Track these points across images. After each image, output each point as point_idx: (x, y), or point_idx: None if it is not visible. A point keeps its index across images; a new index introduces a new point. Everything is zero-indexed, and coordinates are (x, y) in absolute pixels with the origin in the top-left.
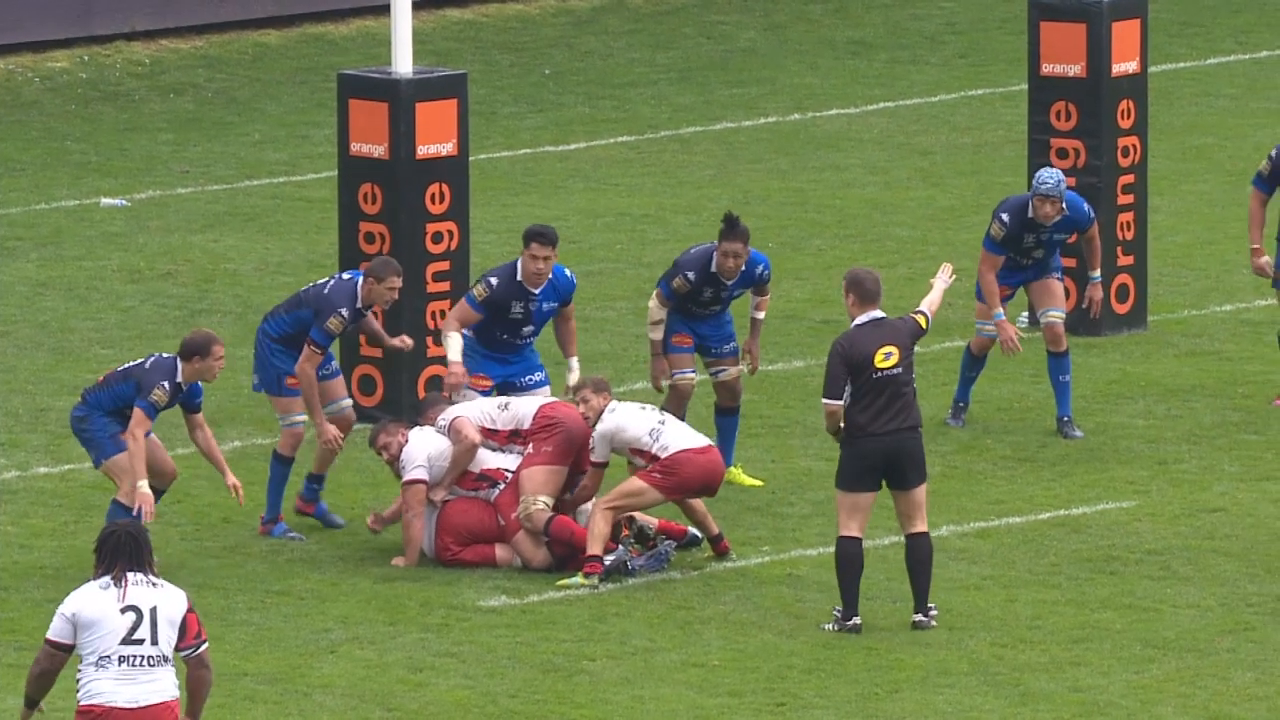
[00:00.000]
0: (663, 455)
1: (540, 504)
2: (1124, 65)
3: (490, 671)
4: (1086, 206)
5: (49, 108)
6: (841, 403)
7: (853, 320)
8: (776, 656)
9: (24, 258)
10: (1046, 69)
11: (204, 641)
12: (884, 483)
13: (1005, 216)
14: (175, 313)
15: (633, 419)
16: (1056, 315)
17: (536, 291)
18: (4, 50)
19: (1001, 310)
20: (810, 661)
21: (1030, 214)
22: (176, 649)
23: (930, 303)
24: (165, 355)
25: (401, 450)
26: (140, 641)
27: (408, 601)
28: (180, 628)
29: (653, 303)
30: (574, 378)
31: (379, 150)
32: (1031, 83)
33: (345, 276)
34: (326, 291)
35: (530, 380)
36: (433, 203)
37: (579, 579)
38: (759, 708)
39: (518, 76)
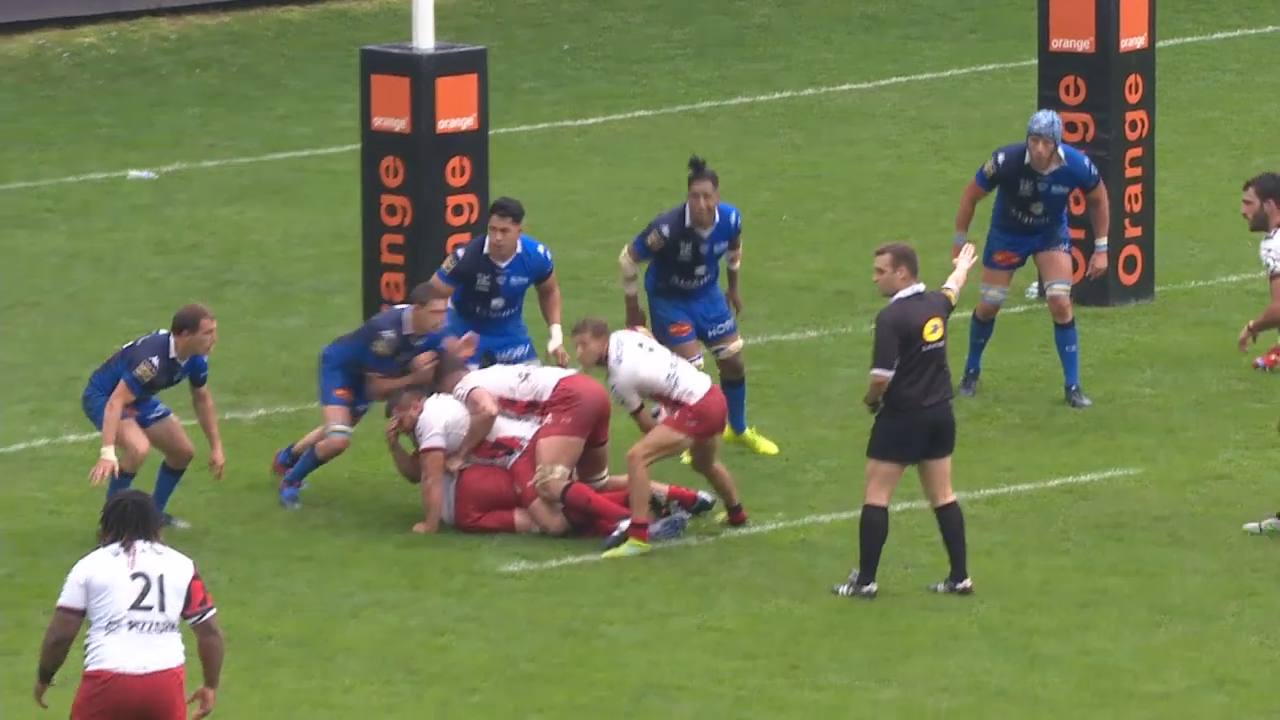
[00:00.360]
0: (689, 400)
1: (557, 473)
2: (1132, 40)
3: (510, 635)
4: (1088, 163)
5: (78, 83)
6: (892, 373)
7: (894, 293)
8: (790, 621)
9: (54, 229)
10: (1056, 44)
11: (210, 608)
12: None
13: (1000, 156)
14: (201, 284)
15: (644, 361)
16: (1062, 288)
17: (503, 265)
18: (34, 26)
19: (963, 235)
20: (824, 625)
21: (1027, 159)
22: (183, 616)
23: (956, 280)
24: (161, 332)
25: (418, 418)
26: (149, 608)
27: (429, 567)
28: (186, 596)
29: (624, 258)
30: (553, 344)
31: (400, 124)
32: (1041, 58)
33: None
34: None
35: (514, 355)
36: (453, 176)
37: (627, 547)
38: (773, 670)
39: (537, 52)
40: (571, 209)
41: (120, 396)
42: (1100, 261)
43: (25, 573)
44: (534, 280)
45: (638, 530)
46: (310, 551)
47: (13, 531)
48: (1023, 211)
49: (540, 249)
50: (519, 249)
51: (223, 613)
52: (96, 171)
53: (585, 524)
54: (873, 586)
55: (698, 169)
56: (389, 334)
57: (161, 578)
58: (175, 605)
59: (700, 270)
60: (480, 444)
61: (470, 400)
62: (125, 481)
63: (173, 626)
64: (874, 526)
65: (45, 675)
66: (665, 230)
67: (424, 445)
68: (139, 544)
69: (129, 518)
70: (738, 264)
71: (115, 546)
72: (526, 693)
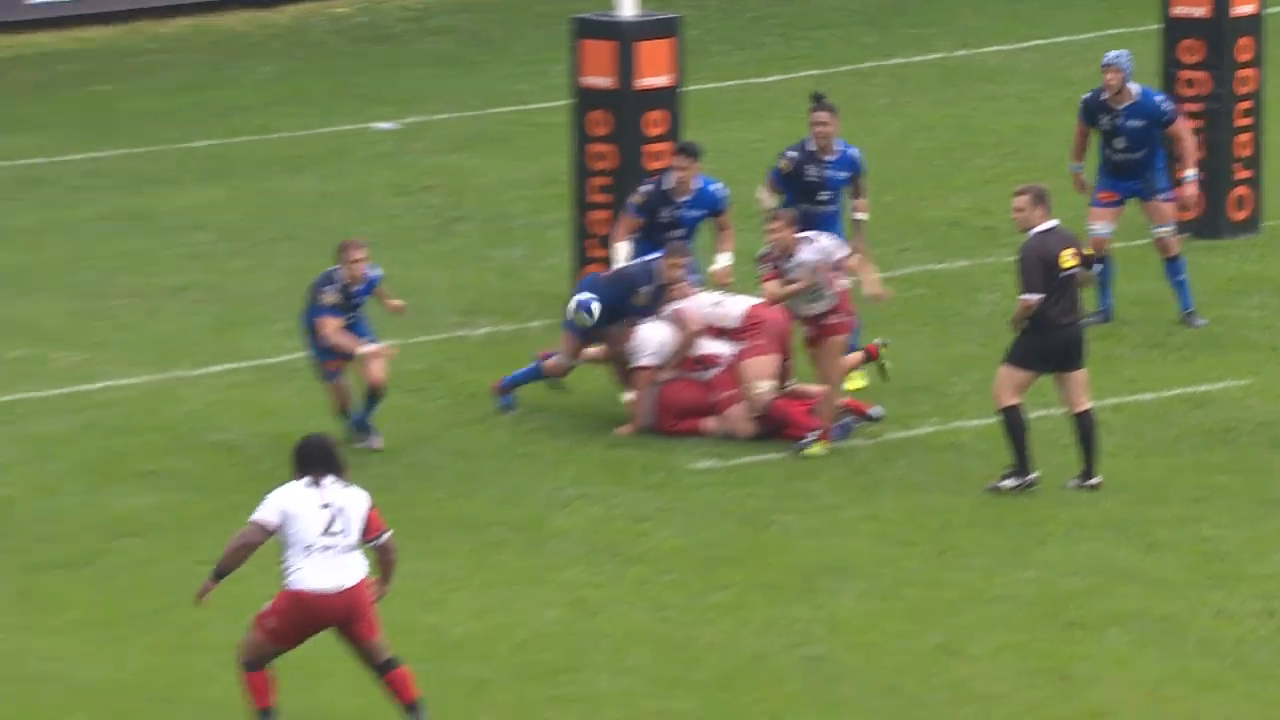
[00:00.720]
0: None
1: (764, 388)
2: (1243, 8)
3: (700, 523)
4: (1160, 99)
5: (333, 46)
6: (1041, 296)
7: (1031, 228)
8: (942, 513)
9: (310, 173)
10: (1176, 11)
11: (385, 531)
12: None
13: (1087, 95)
14: (433, 221)
15: (812, 247)
16: (1164, 230)
17: (681, 200)
18: None
19: (1078, 164)
20: (971, 516)
21: (1104, 95)
22: (364, 541)
23: None
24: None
25: (633, 340)
26: (336, 534)
27: (631, 465)
28: (364, 523)
29: (761, 192)
30: (717, 266)
31: (606, 82)
32: (1164, 23)
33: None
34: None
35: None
36: (651, 127)
37: (819, 449)
38: (927, 555)
39: (725, 19)
40: (754, 156)
41: (327, 326)
42: (1188, 190)
43: (284, 469)
44: (710, 214)
45: (822, 435)
46: (529, 450)
47: (271, 433)
48: (1109, 147)
49: (711, 186)
50: (698, 185)
51: (453, 503)
52: (347, 123)
53: (774, 432)
54: (1035, 475)
55: (816, 100)
56: (646, 288)
57: (345, 508)
58: (358, 530)
59: (824, 195)
60: (683, 359)
61: (677, 320)
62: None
63: (355, 548)
64: (1016, 424)
65: (219, 576)
66: (792, 154)
67: (639, 363)
68: (327, 479)
69: (315, 456)
70: (860, 214)
71: (308, 480)
72: (713, 573)
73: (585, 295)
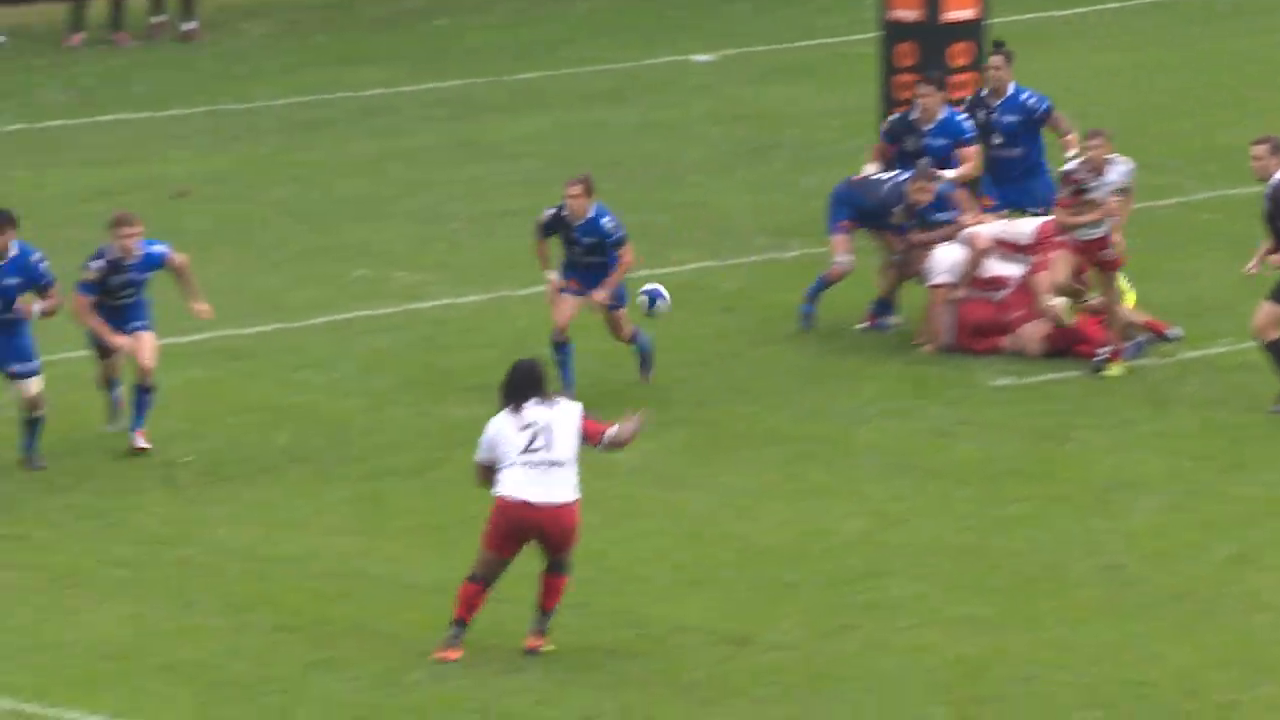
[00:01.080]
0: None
1: (1056, 301)
2: None
3: (998, 438)
4: None
5: None
6: None
7: (1269, 176)
8: (1233, 429)
9: (631, 104)
10: None
11: (605, 431)
12: None
13: None
14: (748, 147)
15: (1119, 169)
16: None
17: (925, 129)
18: None
19: None
20: (1261, 433)
21: None
22: (590, 446)
23: None
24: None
25: (929, 260)
26: (537, 450)
27: (931, 380)
28: (580, 433)
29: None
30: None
31: (913, 15)
32: None
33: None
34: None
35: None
36: (956, 59)
37: (1117, 370)
38: (1218, 469)
39: None
40: (1053, 84)
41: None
42: None
43: (606, 380)
44: (954, 144)
45: (1113, 354)
46: (833, 368)
47: (595, 350)
48: None
49: (959, 117)
50: (943, 115)
51: (762, 418)
52: (666, 55)
53: (1065, 350)
54: None
55: (996, 46)
56: (899, 209)
57: (549, 425)
58: (566, 444)
59: (996, 139)
60: (976, 279)
61: (968, 242)
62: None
63: (562, 464)
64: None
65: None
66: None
67: (933, 282)
68: (529, 403)
69: (518, 383)
70: (1069, 150)
71: (510, 408)
72: (1010, 485)
73: (651, 288)
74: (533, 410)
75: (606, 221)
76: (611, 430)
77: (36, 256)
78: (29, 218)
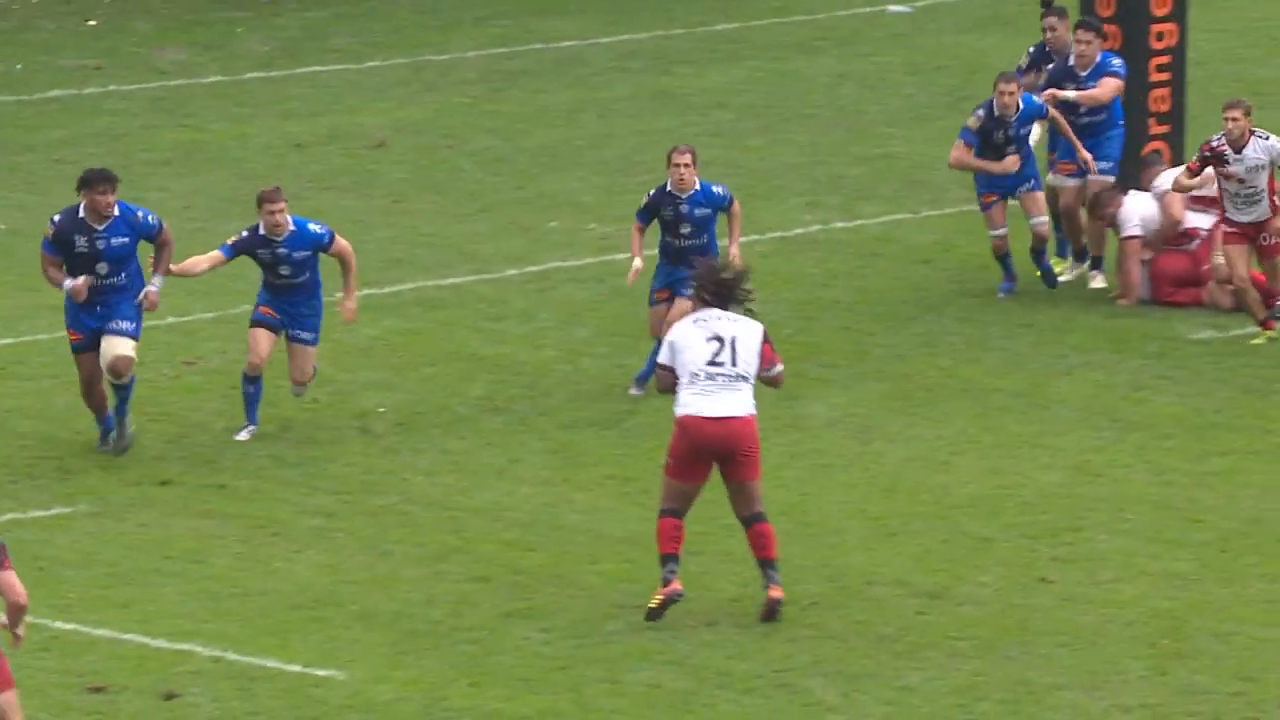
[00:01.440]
0: None
1: (1222, 259)
2: None
3: (1199, 391)
4: None
5: None
6: None
7: None
8: None
9: (826, 54)
10: None
11: (777, 365)
12: None
13: None
14: (945, 99)
15: (1263, 144)
16: None
17: (1083, 75)
18: None
19: None
20: None
21: None
22: (759, 370)
23: None
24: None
25: (1118, 212)
26: (720, 364)
27: (1130, 333)
28: (758, 354)
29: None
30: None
31: None
32: None
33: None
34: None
35: None
36: (1157, 6)
37: (1262, 339)
38: None
39: None
40: (1259, 34)
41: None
42: None
43: (805, 334)
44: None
45: (1269, 321)
46: (1031, 319)
47: (792, 300)
48: None
49: (1115, 62)
50: (1100, 60)
51: (958, 369)
52: (862, 6)
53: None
54: None
55: (1045, 6)
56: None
57: (734, 339)
58: (747, 360)
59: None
60: (1171, 233)
61: (1161, 201)
62: None
63: (743, 379)
64: None
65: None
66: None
67: (1124, 234)
68: (715, 313)
69: (714, 291)
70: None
71: (698, 314)
72: (1211, 439)
73: None
74: (719, 322)
75: (717, 187)
76: (779, 366)
77: (142, 212)
78: (229, 169)
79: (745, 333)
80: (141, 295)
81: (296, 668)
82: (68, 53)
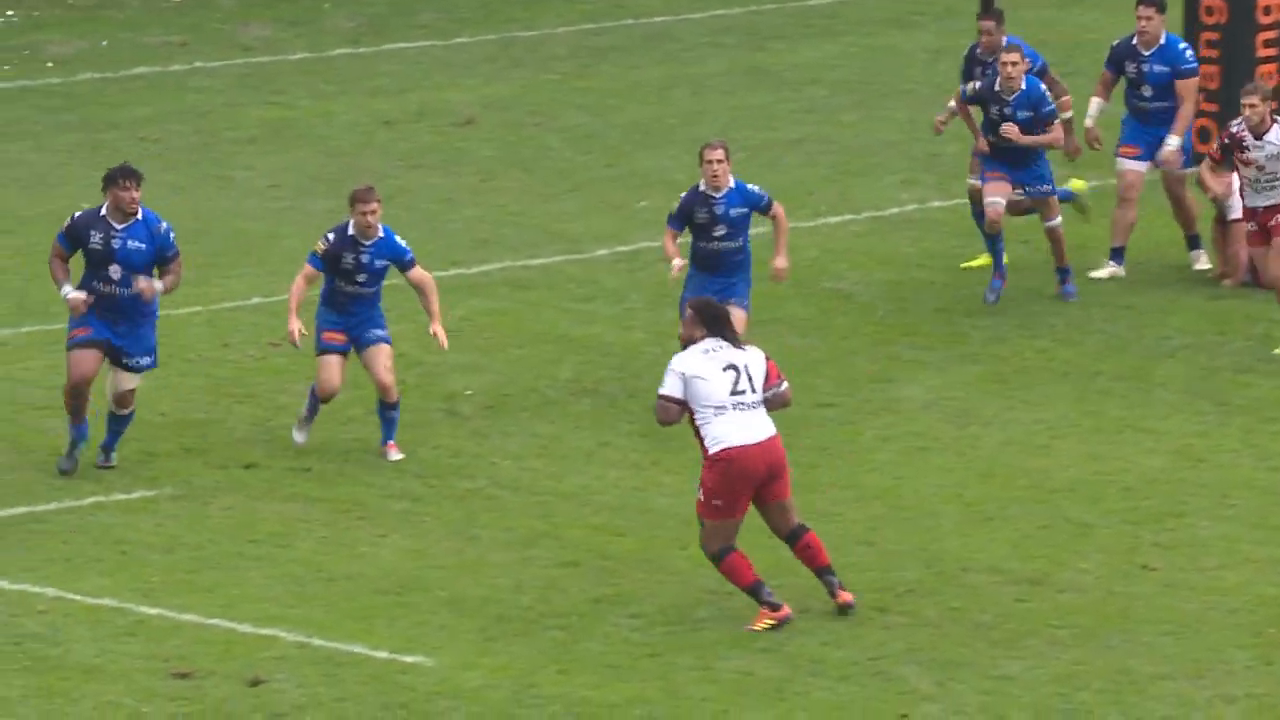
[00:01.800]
0: None
1: None
2: None
3: None
4: None
5: None
6: None
7: None
8: None
9: (922, 30)
10: None
11: (782, 382)
12: None
13: None
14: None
15: None
16: None
17: (1147, 54)
18: None
19: None
20: None
21: None
22: (764, 388)
23: None
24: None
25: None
26: (743, 392)
27: (1234, 315)
28: (764, 374)
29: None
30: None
31: None
32: None
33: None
34: None
35: None
36: None
37: None
38: None
39: None
40: None
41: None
42: None
43: (896, 316)
44: (1173, 75)
45: None
46: (1132, 301)
47: (885, 281)
48: None
49: (1181, 45)
50: (1164, 41)
51: (1058, 352)
52: None
53: None
54: None
55: (984, 5)
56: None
57: (746, 365)
58: (761, 385)
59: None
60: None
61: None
62: None
63: (761, 404)
64: None
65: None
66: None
67: (1231, 216)
68: (718, 341)
69: (715, 319)
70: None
71: (707, 344)
72: None
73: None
74: (727, 351)
75: (753, 187)
76: (786, 384)
77: (166, 226)
78: (315, 147)
79: (753, 358)
80: (143, 283)
81: (383, 654)
82: (152, 30)
